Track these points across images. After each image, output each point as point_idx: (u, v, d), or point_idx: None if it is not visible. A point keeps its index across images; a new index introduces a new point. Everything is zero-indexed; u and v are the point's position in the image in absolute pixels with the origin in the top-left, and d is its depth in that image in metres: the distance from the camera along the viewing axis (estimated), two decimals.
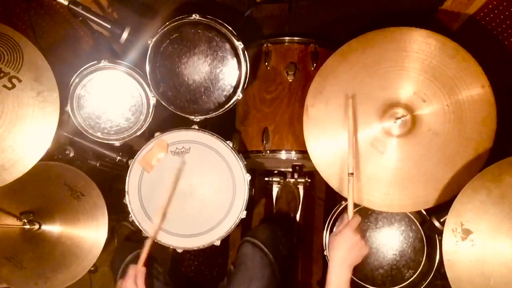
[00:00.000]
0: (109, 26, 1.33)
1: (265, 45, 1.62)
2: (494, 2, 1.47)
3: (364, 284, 1.50)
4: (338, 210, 1.54)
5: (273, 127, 1.59)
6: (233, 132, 1.72)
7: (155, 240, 1.44)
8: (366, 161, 1.27)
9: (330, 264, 1.07)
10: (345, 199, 1.46)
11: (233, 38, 1.40)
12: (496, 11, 1.49)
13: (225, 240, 1.56)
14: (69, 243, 1.51)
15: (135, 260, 1.46)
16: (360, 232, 1.08)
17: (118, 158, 1.63)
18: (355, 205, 1.51)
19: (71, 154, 1.57)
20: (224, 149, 1.45)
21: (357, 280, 1.50)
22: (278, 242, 1.53)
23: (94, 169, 1.69)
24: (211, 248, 1.46)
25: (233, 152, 1.44)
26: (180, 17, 1.39)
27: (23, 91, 1.22)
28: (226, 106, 1.45)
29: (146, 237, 1.37)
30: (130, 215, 1.46)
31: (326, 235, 1.59)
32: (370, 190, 1.28)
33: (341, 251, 1.06)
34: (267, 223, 1.73)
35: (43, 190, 1.52)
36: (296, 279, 2.03)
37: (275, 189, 2.01)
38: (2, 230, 1.50)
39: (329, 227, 1.57)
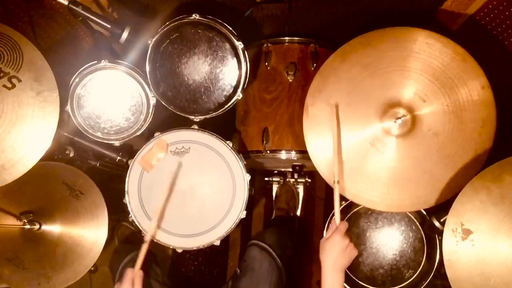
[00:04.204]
0: (109, 26, 1.33)
1: (265, 45, 1.62)
2: (494, 2, 1.47)
3: (364, 284, 1.50)
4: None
5: (273, 127, 1.59)
6: (233, 132, 1.72)
7: (155, 240, 1.44)
8: (366, 160, 1.27)
9: (323, 269, 1.11)
10: (345, 199, 1.47)
11: (233, 38, 1.40)
12: (496, 11, 1.48)
13: (225, 240, 1.56)
14: (70, 242, 1.51)
15: (132, 263, 1.46)
16: (348, 237, 1.12)
17: (118, 158, 1.63)
18: (353, 207, 1.52)
19: (71, 154, 1.57)
20: (224, 149, 1.45)
21: (357, 280, 1.50)
22: (285, 246, 1.53)
23: (94, 169, 1.69)
24: (211, 248, 1.46)
25: (233, 152, 1.44)
26: (180, 17, 1.39)
27: (23, 91, 1.22)
28: (226, 106, 1.45)
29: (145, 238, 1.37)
30: (130, 215, 1.46)
31: None
32: (369, 189, 1.28)
33: (332, 255, 1.09)
34: (274, 227, 1.73)
35: (42, 190, 1.52)
36: (296, 279, 2.04)
37: (275, 189, 2.01)
38: (2, 230, 1.50)
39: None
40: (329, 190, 1.29)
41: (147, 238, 1.30)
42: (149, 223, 1.45)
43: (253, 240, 1.49)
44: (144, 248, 1.26)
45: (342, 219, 1.17)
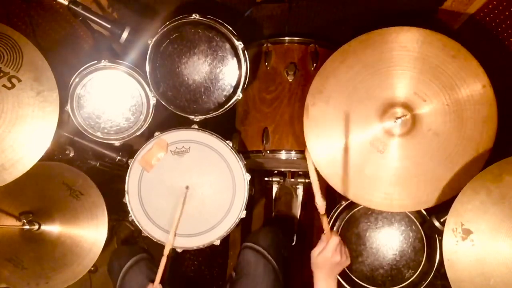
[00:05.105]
0: (109, 26, 1.34)
1: (265, 45, 1.62)
2: (494, 2, 1.47)
3: (364, 284, 1.50)
4: (338, 210, 1.54)
5: (273, 127, 1.59)
6: (233, 132, 1.72)
7: (155, 240, 1.45)
8: (366, 161, 1.27)
9: (315, 279, 1.15)
10: (345, 199, 1.47)
11: (233, 38, 1.40)
12: (496, 11, 1.48)
13: (225, 240, 1.55)
14: (69, 242, 1.51)
15: (136, 266, 1.45)
16: (340, 250, 1.15)
17: (118, 158, 1.63)
18: (353, 207, 1.52)
19: (71, 154, 1.57)
20: (224, 149, 1.45)
21: (357, 280, 1.50)
22: (280, 246, 1.52)
23: (94, 169, 1.69)
24: (211, 248, 1.46)
25: (233, 152, 1.44)
26: (180, 17, 1.39)
27: (23, 91, 1.22)
28: (226, 106, 1.45)
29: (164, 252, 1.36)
30: (129, 215, 1.46)
31: None
32: (370, 190, 1.28)
33: (324, 271, 1.14)
34: (268, 227, 1.72)
35: (42, 190, 1.52)
36: (296, 280, 2.03)
37: (275, 189, 2.01)
38: (2, 230, 1.50)
39: (329, 227, 1.57)
40: (329, 190, 1.28)
41: (165, 252, 1.32)
42: (149, 222, 1.45)
43: (247, 242, 1.47)
44: (162, 263, 1.29)
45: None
